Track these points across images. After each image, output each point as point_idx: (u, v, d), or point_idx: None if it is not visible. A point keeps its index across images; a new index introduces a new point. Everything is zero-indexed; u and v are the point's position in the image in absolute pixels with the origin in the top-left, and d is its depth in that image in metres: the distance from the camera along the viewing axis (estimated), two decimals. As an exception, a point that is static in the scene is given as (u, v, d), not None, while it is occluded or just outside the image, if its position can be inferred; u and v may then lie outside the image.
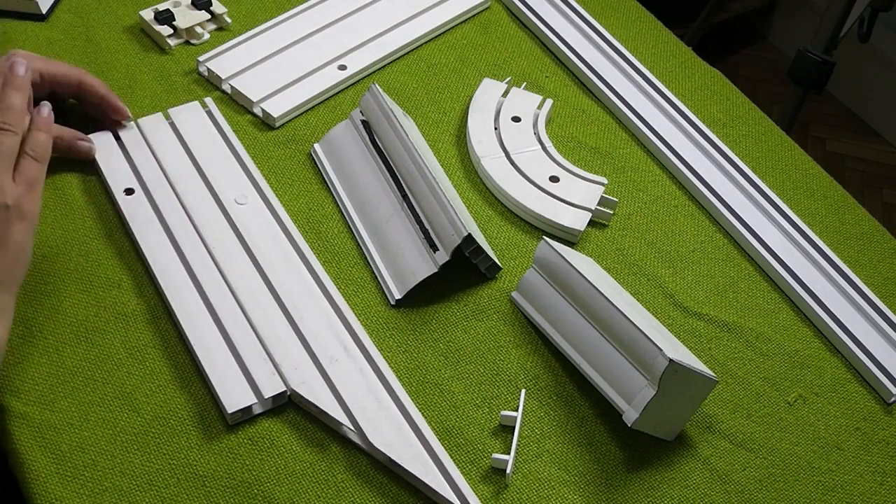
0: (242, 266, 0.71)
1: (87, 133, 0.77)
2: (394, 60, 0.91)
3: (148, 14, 0.88)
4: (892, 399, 0.71)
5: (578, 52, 0.93)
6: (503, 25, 0.97)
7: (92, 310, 0.69)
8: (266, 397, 0.64)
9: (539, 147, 0.83)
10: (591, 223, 0.80)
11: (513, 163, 0.81)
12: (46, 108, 0.68)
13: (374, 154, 0.79)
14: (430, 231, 0.73)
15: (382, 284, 0.73)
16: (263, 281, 0.71)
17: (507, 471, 0.63)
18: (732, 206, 0.82)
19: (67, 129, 0.75)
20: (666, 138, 0.87)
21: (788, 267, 0.78)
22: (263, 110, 0.83)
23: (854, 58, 1.99)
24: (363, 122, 0.81)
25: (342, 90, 0.88)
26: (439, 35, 0.95)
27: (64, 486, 0.60)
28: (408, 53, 0.92)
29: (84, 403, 0.64)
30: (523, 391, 0.68)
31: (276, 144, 0.82)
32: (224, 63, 0.86)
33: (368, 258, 0.75)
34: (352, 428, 0.64)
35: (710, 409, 0.69)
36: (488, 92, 0.87)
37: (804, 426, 0.70)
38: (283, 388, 0.65)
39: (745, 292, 0.77)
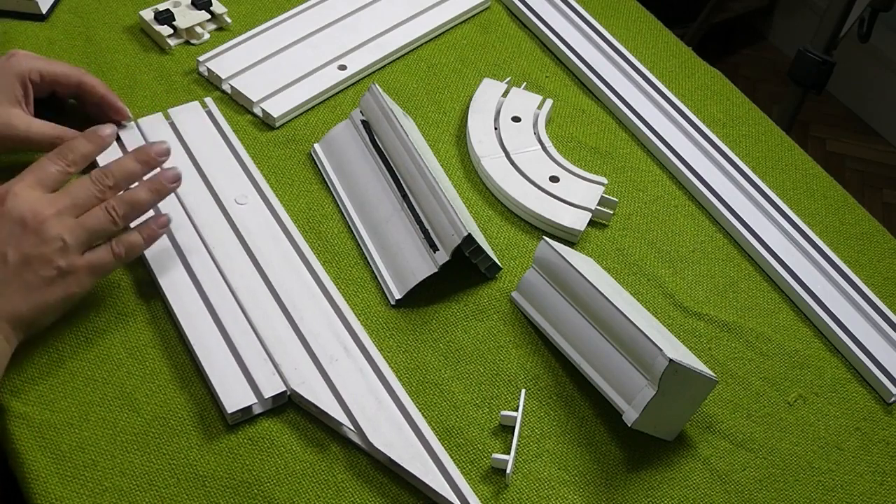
0: (242, 266, 0.71)
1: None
2: (394, 60, 0.91)
3: (148, 14, 0.88)
4: (892, 399, 0.71)
5: (578, 52, 0.93)
6: (503, 25, 0.97)
7: (92, 310, 0.69)
8: (266, 397, 0.64)
9: (539, 147, 0.83)
10: (591, 223, 0.80)
11: (513, 163, 0.81)
12: (165, 218, 0.68)
13: (374, 154, 0.79)
14: (430, 231, 0.73)
15: (382, 284, 0.73)
16: (263, 281, 0.71)
17: (507, 471, 0.63)
18: (732, 206, 0.82)
19: (67, 129, 0.75)
20: (666, 138, 0.87)
21: (788, 267, 0.78)
22: (263, 110, 0.83)
23: (854, 58, 1.99)
24: (363, 122, 0.81)
25: (342, 90, 0.88)
26: (439, 35, 0.95)
27: (64, 486, 0.60)
28: (408, 53, 0.92)
29: (84, 403, 0.64)
30: (523, 391, 0.68)
31: (276, 144, 0.82)
32: (224, 63, 0.86)
33: (368, 258, 0.75)
34: (352, 428, 0.64)
35: (710, 409, 0.69)
36: (488, 92, 0.87)
37: (804, 426, 0.70)
38: (283, 388, 0.65)
39: (745, 292, 0.77)
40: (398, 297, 0.72)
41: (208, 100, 0.83)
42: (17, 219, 0.61)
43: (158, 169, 0.68)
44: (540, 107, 0.87)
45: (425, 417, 0.65)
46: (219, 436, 0.63)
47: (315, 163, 0.81)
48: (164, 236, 0.72)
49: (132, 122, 0.80)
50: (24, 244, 0.61)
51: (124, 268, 0.71)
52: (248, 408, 0.64)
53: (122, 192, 0.66)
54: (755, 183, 0.84)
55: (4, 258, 0.61)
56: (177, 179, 0.68)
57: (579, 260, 0.72)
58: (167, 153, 0.68)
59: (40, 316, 0.63)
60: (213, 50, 0.87)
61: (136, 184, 0.67)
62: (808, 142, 2.05)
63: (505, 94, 0.87)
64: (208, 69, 0.85)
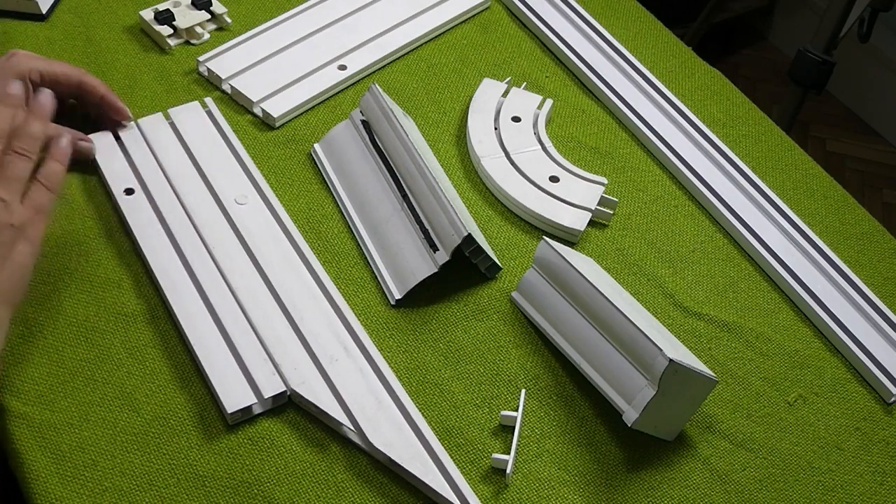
0: (242, 266, 0.71)
1: (87, 133, 0.77)
2: (394, 60, 0.91)
3: (148, 14, 0.88)
4: (892, 399, 0.71)
5: (578, 52, 0.93)
6: (503, 25, 0.97)
7: (92, 310, 0.69)
8: (266, 397, 0.64)
9: (539, 147, 0.83)
10: (591, 223, 0.80)
11: (513, 163, 0.81)
12: (65, 139, 0.69)
13: (374, 154, 0.79)
14: (430, 231, 0.73)
15: (382, 284, 0.73)
16: (263, 281, 0.71)
17: (507, 471, 0.63)
18: (732, 206, 0.82)
19: (67, 129, 0.75)
20: (666, 138, 0.87)
21: (788, 267, 0.78)
22: (263, 110, 0.83)
23: (854, 58, 1.99)
24: (363, 122, 0.81)
25: (342, 90, 0.88)
26: (439, 35, 0.95)
27: (64, 486, 0.60)
28: (408, 53, 0.92)
29: (84, 403, 0.64)
30: (523, 391, 0.68)
31: (276, 144, 0.82)
32: (224, 63, 0.86)
33: (368, 258, 0.75)
34: (352, 428, 0.64)
35: (710, 409, 0.69)
36: (488, 92, 0.87)
37: (804, 426, 0.70)
38: (283, 388, 0.65)
39: (745, 292, 0.77)
40: (398, 297, 0.72)
41: (208, 100, 0.83)
42: None
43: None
44: (540, 107, 0.87)
45: (425, 417, 0.65)
46: (219, 436, 0.63)
47: (315, 163, 0.81)
48: (165, 236, 0.72)
49: (132, 122, 0.80)
50: None
51: (124, 268, 0.71)
52: (248, 408, 0.64)
53: (20, 132, 0.65)
54: (755, 183, 0.84)
55: None
56: (49, 97, 0.69)
57: (579, 260, 0.72)
58: (21, 88, 0.70)
59: (19, 280, 0.62)
60: (213, 50, 0.87)
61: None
62: (808, 142, 2.05)
63: (505, 94, 0.87)
64: (208, 69, 0.85)
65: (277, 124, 0.83)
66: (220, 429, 0.64)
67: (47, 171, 0.66)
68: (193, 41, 0.89)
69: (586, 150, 0.86)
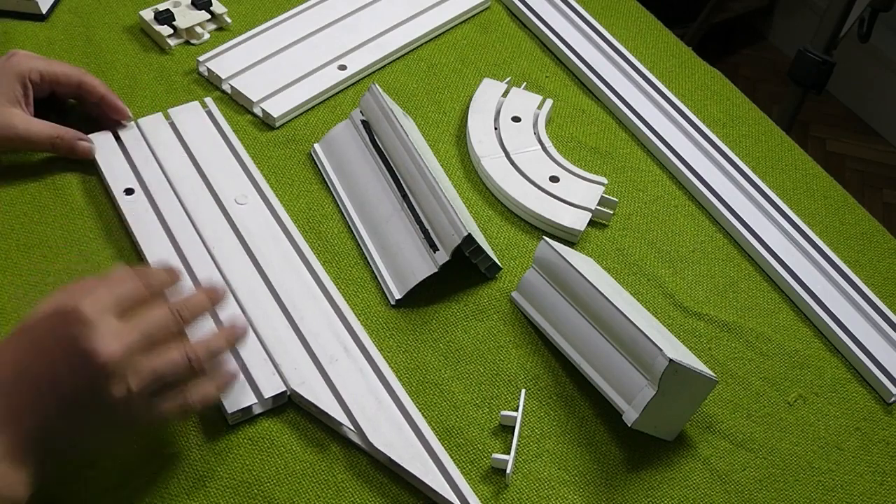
0: (242, 266, 0.71)
1: (87, 133, 0.77)
2: (394, 60, 0.91)
3: (148, 14, 0.88)
4: (892, 399, 0.71)
5: (578, 52, 0.93)
6: (503, 25, 0.97)
7: (92, 310, 0.68)
8: (266, 397, 0.64)
9: (539, 147, 0.83)
10: (591, 223, 0.80)
11: (513, 163, 0.82)
12: (233, 367, 0.63)
13: (374, 154, 0.79)
14: (430, 231, 0.73)
15: (382, 284, 0.73)
16: (263, 281, 0.71)
17: (507, 471, 0.63)
18: (732, 206, 0.82)
19: (67, 129, 0.75)
20: (666, 138, 0.87)
21: (788, 267, 0.78)
22: (263, 110, 0.83)
23: (854, 58, 2.00)
24: (363, 122, 0.81)
25: (342, 90, 0.88)
26: (439, 35, 0.95)
27: (64, 486, 0.60)
28: (408, 53, 0.92)
29: (84, 403, 0.64)
30: (523, 391, 0.68)
31: (276, 144, 0.82)
32: (224, 63, 0.86)
33: (368, 258, 0.75)
34: (352, 428, 0.64)
35: (710, 409, 0.69)
36: (488, 92, 0.87)
37: (804, 426, 0.70)
38: (283, 388, 0.65)
39: (745, 292, 0.77)
40: (398, 297, 0.72)
41: (208, 100, 0.83)
42: (84, 350, 0.51)
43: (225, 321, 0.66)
44: (540, 107, 0.87)
45: (425, 417, 0.65)
46: (219, 436, 0.63)
47: (315, 163, 0.81)
48: (165, 236, 0.72)
49: (132, 122, 0.80)
50: (82, 378, 0.51)
51: (124, 268, 0.71)
52: (248, 408, 0.64)
53: (202, 340, 0.58)
54: (755, 183, 0.84)
55: (54, 383, 0.51)
56: (245, 329, 0.64)
57: (579, 260, 0.72)
58: (226, 293, 0.66)
59: (58, 457, 0.54)
60: (213, 50, 0.87)
61: (209, 330, 0.63)
62: (808, 142, 2.05)
63: (505, 94, 0.87)
64: (208, 69, 0.85)
65: (277, 124, 0.83)
66: (220, 429, 0.64)
67: (204, 393, 0.57)
68: (193, 41, 0.89)
69: (586, 150, 0.86)
